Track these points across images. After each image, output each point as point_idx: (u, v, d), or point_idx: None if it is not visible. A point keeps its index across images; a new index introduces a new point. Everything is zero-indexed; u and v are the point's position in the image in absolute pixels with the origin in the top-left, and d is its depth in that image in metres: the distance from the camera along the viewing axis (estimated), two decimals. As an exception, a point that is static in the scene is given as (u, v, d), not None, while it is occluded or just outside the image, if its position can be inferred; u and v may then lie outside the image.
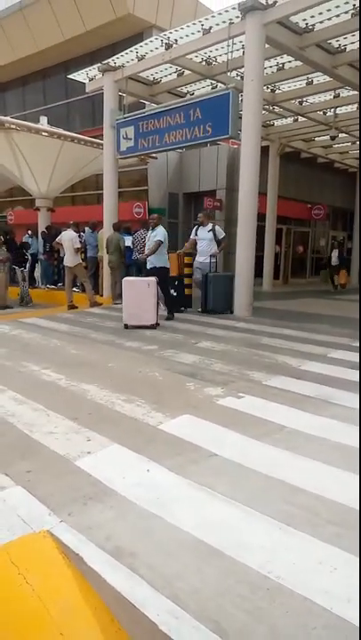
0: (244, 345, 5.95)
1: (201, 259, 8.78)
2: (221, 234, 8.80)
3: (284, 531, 2.07)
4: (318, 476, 2.58)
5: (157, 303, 7.17)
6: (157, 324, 7.10)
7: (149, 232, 7.89)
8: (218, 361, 5.11)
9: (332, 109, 12.10)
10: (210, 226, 8.75)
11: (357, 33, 7.94)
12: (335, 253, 15.13)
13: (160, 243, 7.54)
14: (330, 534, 2.04)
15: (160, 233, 7.62)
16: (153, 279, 7.13)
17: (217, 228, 8.77)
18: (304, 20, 7.86)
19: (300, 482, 2.49)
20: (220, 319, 7.92)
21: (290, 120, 13.39)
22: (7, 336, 6.62)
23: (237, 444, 3.01)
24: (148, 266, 7.74)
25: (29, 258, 11.23)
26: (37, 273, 12.98)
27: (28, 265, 11.02)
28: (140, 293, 6.99)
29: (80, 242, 9.55)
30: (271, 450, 2.91)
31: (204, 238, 8.74)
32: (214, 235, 8.66)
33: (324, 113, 12.56)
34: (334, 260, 15.10)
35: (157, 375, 4.60)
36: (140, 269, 10.09)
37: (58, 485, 2.49)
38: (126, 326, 7.02)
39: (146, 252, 7.75)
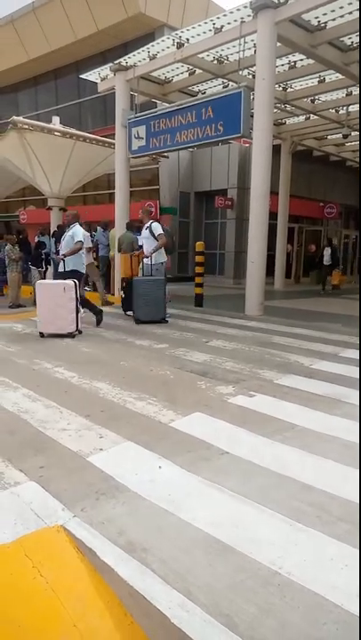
0: (256, 344, 5.95)
1: (145, 260, 7.83)
2: (157, 230, 7.61)
3: (295, 527, 2.08)
4: (329, 474, 2.58)
5: (77, 309, 6.53)
6: (79, 332, 6.52)
7: (67, 231, 7.15)
8: (229, 359, 5.12)
9: (345, 107, 12.03)
10: (148, 223, 7.85)
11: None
12: (328, 252, 14.11)
13: (81, 244, 6.90)
14: (341, 531, 2.05)
15: (79, 233, 6.92)
16: (70, 282, 6.41)
17: (154, 225, 7.71)
18: (316, 17, 7.83)
19: (311, 479, 2.50)
20: (232, 318, 7.92)
21: (302, 118, 13.33)
22: (20, 334, 6.68)
23: (248, 442, 3.02)
24: (61, 268, 6.90)
25: (45, 258, 11.30)
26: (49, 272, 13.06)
27: (44, 264, 11.09)
28: (55, 298, 6.31)
29: (91, 241, 9.61)
30: (282, 448, 2.92)
31: (144, 237, 7.88)
32: (151, 233, 7.68)
33: (337, 111, 12.49)
34: (327, 259, 14.06)
35: (169, 373, 4.63)
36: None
37: (71, 481, 2.52)
38: (41, 334, 6.39)
39: (63, 252, 6.96)
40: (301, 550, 1.93)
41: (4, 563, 1.93)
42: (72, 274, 6.76)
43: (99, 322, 7.27)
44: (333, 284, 14.22)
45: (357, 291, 13.87)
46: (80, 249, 6.88)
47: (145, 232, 7.78)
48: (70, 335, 6.37)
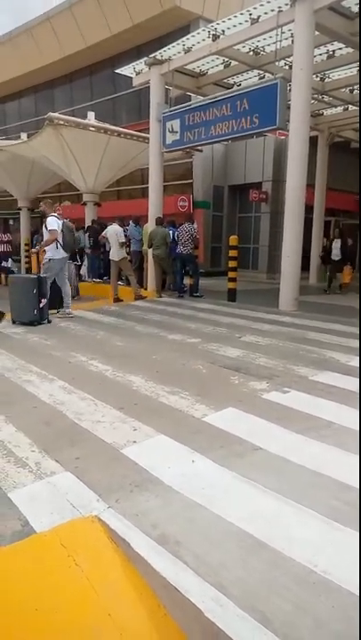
0: (290, 339, 5.87)
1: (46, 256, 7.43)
2: (50, 225, 7.14)
3: (332, 526, 2.05)
4: (366, 474, 2.52)
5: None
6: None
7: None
8: (263, 355, 5.07)
9: (385, 97, 11.65)
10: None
11: None
12: (337, 244, 12.03)
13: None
14: (378, 532, 2.00)
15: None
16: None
17: (49, 219, 7.22)
18: (356, 4, 7.58)
19: (348, 479, 2.45)
20: (266, 313, 7.84)
21: (340, 109, 13.00)
22: (56, 328, 6.81)
23: (282, 438, 2.99)
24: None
25: (83, 253, 11.46)
26: (84, 267, 13.24)
27: (80, 259, 11.25)
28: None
29: (125, 236, 9.68)
30: (318, 445, 2.88)
31: (43, 232, 7.47)
32: (45, 227, 7.28)
33: (377, 101, 12.12)
34: (336, 252, 11.97)
35: (201, 368, 4.62)
36: (184, 262, 10.15)
37: (105, 472, 2.55)
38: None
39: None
40: (338, 549, 1.89)
41: (40, 551, 1.98)
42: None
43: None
44: (344, 282, 12.10)
45: None
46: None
47: (44, 226, 7.34)
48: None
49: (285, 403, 3.63)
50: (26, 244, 15.99)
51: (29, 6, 35.69)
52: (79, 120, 12.50)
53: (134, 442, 2.93)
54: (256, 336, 6.04)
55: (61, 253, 7.31)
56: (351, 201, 17.86)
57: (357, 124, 14.02)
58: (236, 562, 1.83)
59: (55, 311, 7.63)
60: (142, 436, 3.02)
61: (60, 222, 7.29)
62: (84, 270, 13.15)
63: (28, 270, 15.08)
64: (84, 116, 13.53)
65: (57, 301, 7.64)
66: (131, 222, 11.57)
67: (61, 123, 11.60)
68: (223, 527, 2.05)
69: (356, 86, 11.22)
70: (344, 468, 2.59)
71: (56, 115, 11.93)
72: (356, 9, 7.71)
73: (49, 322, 7.03)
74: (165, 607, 1.73)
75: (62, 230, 7.28)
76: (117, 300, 9.43)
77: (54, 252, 7.22)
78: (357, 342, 5.70)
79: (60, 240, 7.19)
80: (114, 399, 3.70)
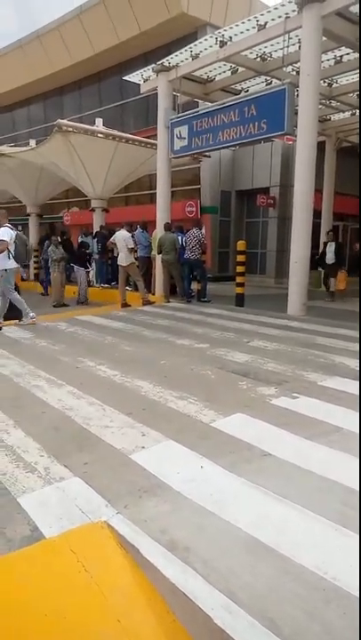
0: (299, 345, 5.85)
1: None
2: (2, 235, 6.97)
3: (341, 532, 2.03)
4: (376, 480, 2.51)
5: None
6: None
7: None
8: (271, 360, 5.06)
9: (393, 101, 11.63)
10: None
11: None
12: (331, 248, 11.52)
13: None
14: (389, 539, 1.99)
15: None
16: None
17: (0, 230, 7.01)
18: (363, 9, 7.61)
19: (357, 484, 2.44)
20: (274, 318, 7.82)
21: (347, 114, 12.99)
22: (64, 333, 6.84)
23: (292, 444, 2.98)
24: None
25: (92, 258, 11.48)
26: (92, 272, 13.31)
27: (89, 265, 11.30)
28: None
29: (133, 242, 9.72)
30: (327, 451, 2.86)
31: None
32: None
33: (384, 106, 12.10)
34: (330, 257, 11.43)
35: (210, 373, 4.62)
36: (192, 268, 10.16)
37: (114, 478, 2.56)
38: None
39: None
40: (348, 556, 1.88)
41: (50, 556, 1.98)
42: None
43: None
44: (338, 289, 11.25)
45: None
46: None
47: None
48: None
49: (294, 408, 3.62)
50: (35, 250, 16.07)
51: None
52: (87, 127, 12.59)
53: (143, 447, 2.94)
54: (264, 341, 6.03)
55: (13, 264, 7.33)
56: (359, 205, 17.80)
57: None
58: (244, 568, 1.82)
59: (17, 321, 7.57)
60: (151, 442, 3.02)
61: (13, 234, 7.29)
62: (92, 276, 13.22)
63: (37, 276, 15.20)
64: (93, 123, 13.63)
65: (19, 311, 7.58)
66: (138, 227, 11.62)
67: (70, 129, 11.69)
68: (232, 533, 2.05)
69: (363, 91, 11.21)
70: (353, 473, 2.57)
71: (64, 121, 12.02)
72: (363, 14, 7.72)
73: None
74: (175, 613, 1.73)
75: (15, 241, 7.30)
76: (125, 305, 9.45)
77: (5, 263, 7.19)
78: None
79: (12, 251, 7.21)
80: (122, 404, 3.70)
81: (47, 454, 2.87)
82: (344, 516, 2.16)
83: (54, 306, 10.36)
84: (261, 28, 8.38)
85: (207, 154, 13.40)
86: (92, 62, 19.12)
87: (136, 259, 10.52)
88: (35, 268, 15.56)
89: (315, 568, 1.80)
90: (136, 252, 10.84)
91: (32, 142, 15.56)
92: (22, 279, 11.93)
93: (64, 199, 21.22)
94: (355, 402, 3.75)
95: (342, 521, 2.11)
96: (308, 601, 1.64)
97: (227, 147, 10.94)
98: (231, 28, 8.66)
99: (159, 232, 10.48)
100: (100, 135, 12.26)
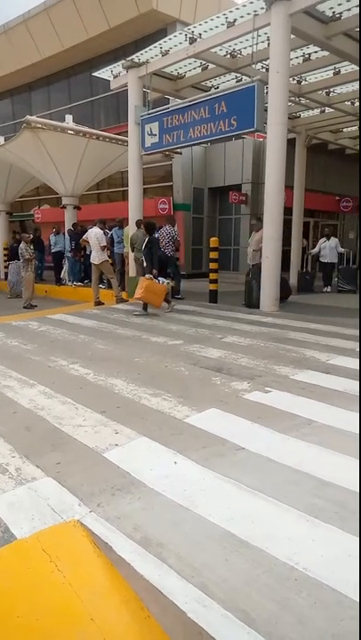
0: (271, 339, 5.91)
1: None
2: None
3: (313, 523, 2.06)
4: (348, 470, 2.55)
5: None
6: None
7: None
8: (244, 355, 5.10)
9: (361, 99, 11.83)
10: None
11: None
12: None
13: None
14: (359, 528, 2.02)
15: None
16: None
17: None
18: (331, 8, 7.70)
19: (329, 476, 2.48)
20: (247, 314, 7.88)
21: (317, 111, 13.15)
22: (36, 332, 6.74)
23: (264, 437, 3.01)
24: None
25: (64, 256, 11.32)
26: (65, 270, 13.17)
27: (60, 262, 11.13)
28: None
29: (106, 239, 9.63)
30: (299, 444, 2.90)
31: None
32: None
33: (352, 103, 12.28)
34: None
35: (183, 370, 4.62)
36: (165, 265, 10.14)
37: (87, 476, 2.54)
38: None
39: None
40: (319, 546, 1.91)
41: (22, 557, 1.95)
42: None
43: None
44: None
45: None
46: None
47: None
48: None
49: (267, 402, 3.65)
50: (5, 249, 15.79)
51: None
52: (57, 123, 12.42)
53: (116, 445, 2.92)
54: (238, 337, 6.07)
55: None
56: (330, 202, 18.11)
57: (335, 126, 14.26)
58: (219, 562, 1.83)
59: None
60: (124, 439, 3.01)
61: None
62: (64, 274, 13.08)
63: (6, 275, 14.91)
64: (62, 119, 13.46)
65: None
66: (115, 228, 11.56)
67: (39, 126, 11.50)
68: (206, 528, 2.05)
69: (333, 88, 11.38)
70: (325, 465, 2.61)
71: (33, 118, 11.83)
72: (330, 13, 7.83)
73: None
74: (149, 609, 1.73)
75: None
76: (99, 303, 9.39)
77: None
78: (335, 341, 5.78)
79: None
80: (95, 403, 3.67)
81: (19, 455, 2.82)
82: (315, 507, 2.19)
83: (25, 307, 10.12)
84: (230, 25, 8.40)
85: (179, 150, 13.40)
86: (61, 58, 18.85)
87: (109, 256, 10.46)
88: (5, 267, 15.28)
89: (287, 559, 1.82)
90: (109, 249, 10.77)
91: (0, 139, 15.27)
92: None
93: (35, 196, 20.90)
94: (325, 394, 3.81)
95: (314, 512, 2.14)
96: (280, 592, 1.66)
97: (198, 143, 10.97)
98: (201, 24, 8.65)
99: (131, 229, 10.43)
100: (70, 132, 12.10)
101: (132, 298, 9.17)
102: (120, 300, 9.56)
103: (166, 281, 8.31)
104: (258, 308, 8.28)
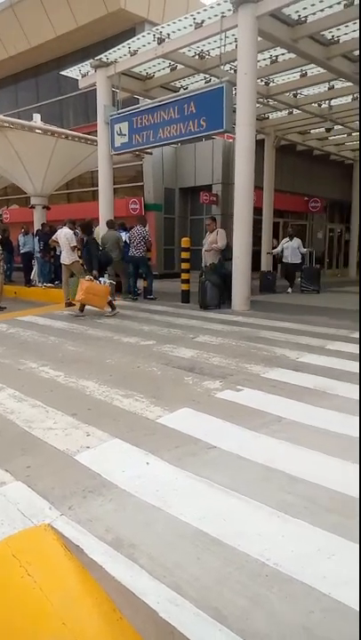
0: (242, 338, 5.96)
1: None
2: None
3: (283, 519, 2.09)
4: (317, 466, 2.60)
5: None
6: None
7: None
8: (216, 355, 5.13)
9: (327, 101, 12.08)
10: None
11: (351, 24, 7.94)
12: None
13: None
14: (329, 522, 2.06)
15: None
16: None
17: None
18: (297, 11, 7.84)
19: (298, 471, 2.51)
20: (219, 314, 7.93)
21: (285, 113, 13.36)
22: (5, 334, 6.62)
23: (236, 435, 3.03)
24: None
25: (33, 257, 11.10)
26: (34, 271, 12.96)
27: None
28: None
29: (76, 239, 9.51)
30: (270, 441, 2.93)
31: None
32: None
33: (319, 105, 12.55)
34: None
35: (155, 370, 4.62)
36: (137, 265, 10.11)
37: (58, 480, 2.50)
38: None
39: None
40: (289, 542, 1.94)
41: (-10, 563, 1.91)
42: None
43: None
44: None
45: (344, 285, 13.86)
46: None
47: None
48: None
49: (239, 400, 3.68)
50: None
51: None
52: (24, 122, 12.23)
53: (88, 447, 2.89)
54: (210, 336, 6.10)
55: None
56: (299, 202, 18.38)
57: (302, 128, 14.51)
58: (191, 561, 1.83)
59: None
60: (96, 441, 2.98)
61: None
62: (34, 275, 12.88)
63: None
64: (30, 118, 13.26)
65: None
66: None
67: (6, 125, 11.31)
68: (178, 527, 2.05)
69: (300, 90, 11.57)
70: (294, 461, 2.65)
71: (0, 117, 11.63)
72: (296, 17, 7.96)
73: None
74: (121, 611, 1.72)
75: None
76: (69, 304, 9.26)
77: None
78: (305, 339, 5.87)
79: None
80: (66, 405, 3.63)
81: (-13, 460, 2.77)
82: (287, 503, 2.22)
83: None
84: (198, 26, 8.45)
85: (149, 151, 13.38)
86: (29, 56, 18.56)
87: (80, 257, 10.34)
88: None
89: (258, 555, 1.84)
90: (80, 250, 10.65)
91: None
92: None
93: (3, 196, 20.56)
94: (295, 392, 3.87)
95: (284, 508, 2.17)
96: (251, 588, 1.68)
97: (167, 144, 10.98)
98: (169, 25, 8.68)
99: (102, 230, 10.36)
100: (38, 131, 11.94)
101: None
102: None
103: (108, 281, 8.20)
104: (213, 308, 8.24)
